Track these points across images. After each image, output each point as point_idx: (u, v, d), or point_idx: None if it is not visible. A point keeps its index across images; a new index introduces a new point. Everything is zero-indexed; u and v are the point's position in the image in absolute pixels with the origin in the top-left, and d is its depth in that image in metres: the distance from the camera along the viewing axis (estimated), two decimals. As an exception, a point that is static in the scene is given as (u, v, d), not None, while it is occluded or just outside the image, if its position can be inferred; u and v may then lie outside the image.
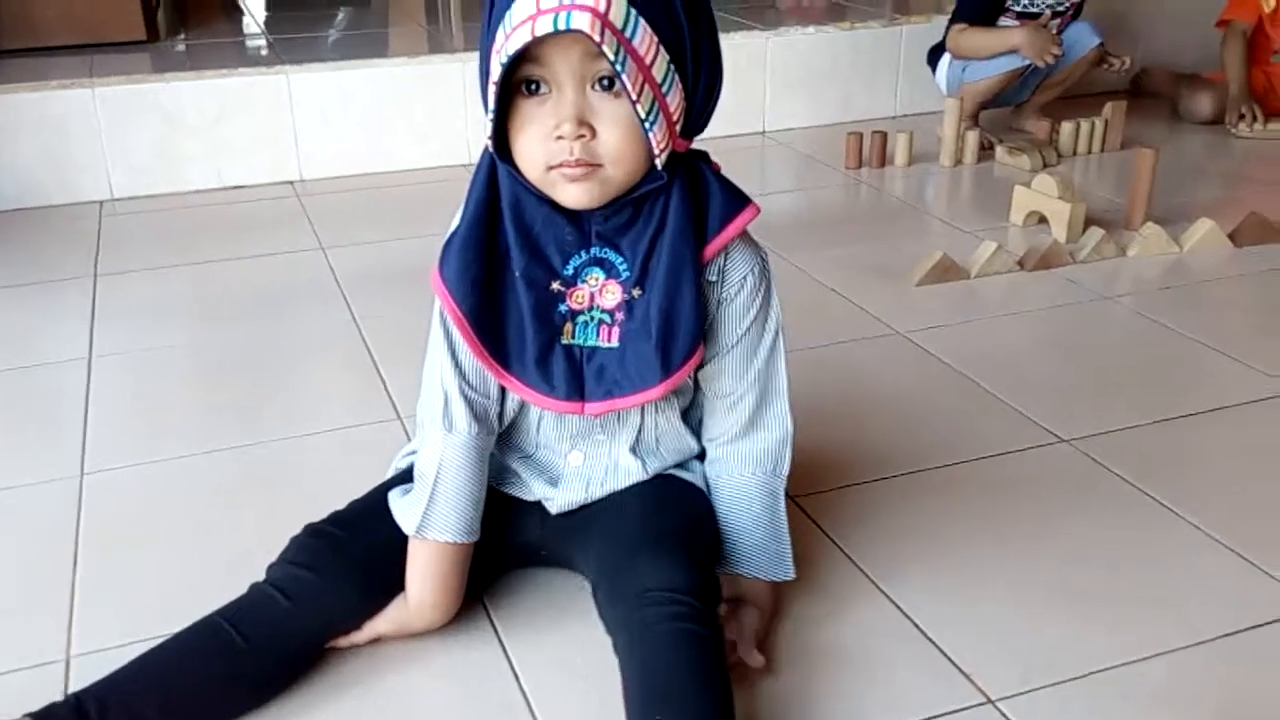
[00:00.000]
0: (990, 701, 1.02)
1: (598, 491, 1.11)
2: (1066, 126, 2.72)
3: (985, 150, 2.69)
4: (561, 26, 0.86)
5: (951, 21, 2.74)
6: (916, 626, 1.11)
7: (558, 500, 1.12)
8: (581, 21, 0.85)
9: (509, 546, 1.15)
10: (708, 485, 1.14)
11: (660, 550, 1.01)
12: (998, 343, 1.77)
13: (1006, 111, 2.92)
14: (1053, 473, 1.39)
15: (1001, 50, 2.65)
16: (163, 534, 1.29)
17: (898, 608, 1.14)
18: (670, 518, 1.07)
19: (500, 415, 1.08)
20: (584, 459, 1.11)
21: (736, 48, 2.85)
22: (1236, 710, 0.99)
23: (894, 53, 3.01)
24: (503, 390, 1.07)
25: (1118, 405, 1.55)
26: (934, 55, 2.85)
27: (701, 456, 1.15)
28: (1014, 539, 1.26)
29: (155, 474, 1.42)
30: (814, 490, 1.33)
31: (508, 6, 0.89)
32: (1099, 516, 1.30)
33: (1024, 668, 1.05)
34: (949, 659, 1.07)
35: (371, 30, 3.23)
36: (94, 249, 2.19)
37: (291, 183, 2.55)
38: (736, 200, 1.02)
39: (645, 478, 1.11)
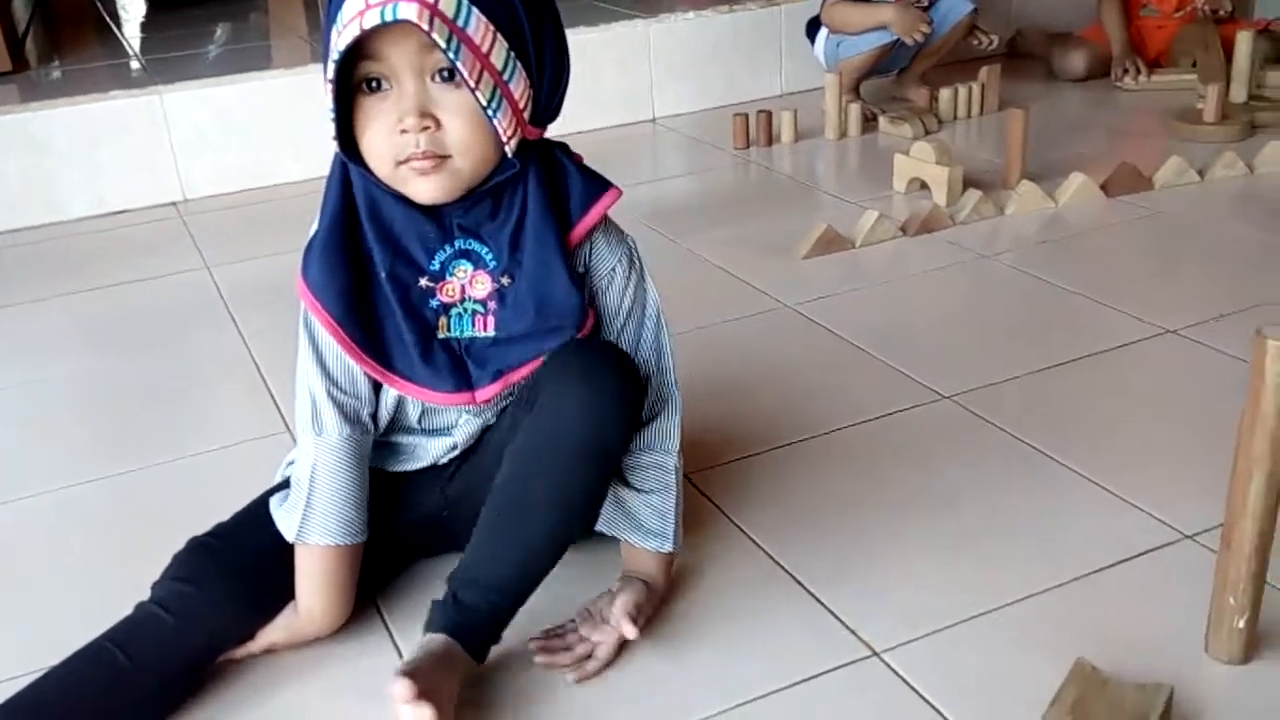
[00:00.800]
0: (875, 654, 1.04)
1: (491, 417, 1.09)
2: (945, 93, 2.77)
3: (869, 121, 2.74)
4: (389, 18, 0.86)
5: None
6: (803, 586, 1.14)
7: (457, 437, 1.10)
8: (408, 12, 0.86)
9: (409, 527, 1.15)
10: None
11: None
12: (883, 308, 1.80)
13: (888, 81, 2.97)
14: (933, 429, 1.43)
15: (871, 25, 2.70)
16: (49, 567, 1.27)
17: (785, 570, 1.16)
18: None
19: (375, 414, 1.08)
20: (473, 417, 1.10)
21: (620, 37, 2.86)
22: (1115, 638, 1.03)
23: (775, 33, 3.04)
24: (376, 389, 1.06)
25: (998, 359, 1.59)
26: (811, 28, 2.89)
27: None
28: (895, 495, 1.29)
29: (40, 507, 1.39)
30: (705, 466, 1.35)
31: (339, 7, 0.90)
32: (977, 467, 1.33)
33: (907, 618, 1.08)
34: (834, 615, 1.09)
35: (251, 44, 3.18)
36: (-29, 286, 2.13)
37: (174, 204, 2.50)
38: (596, 185, 1.03)
39: None
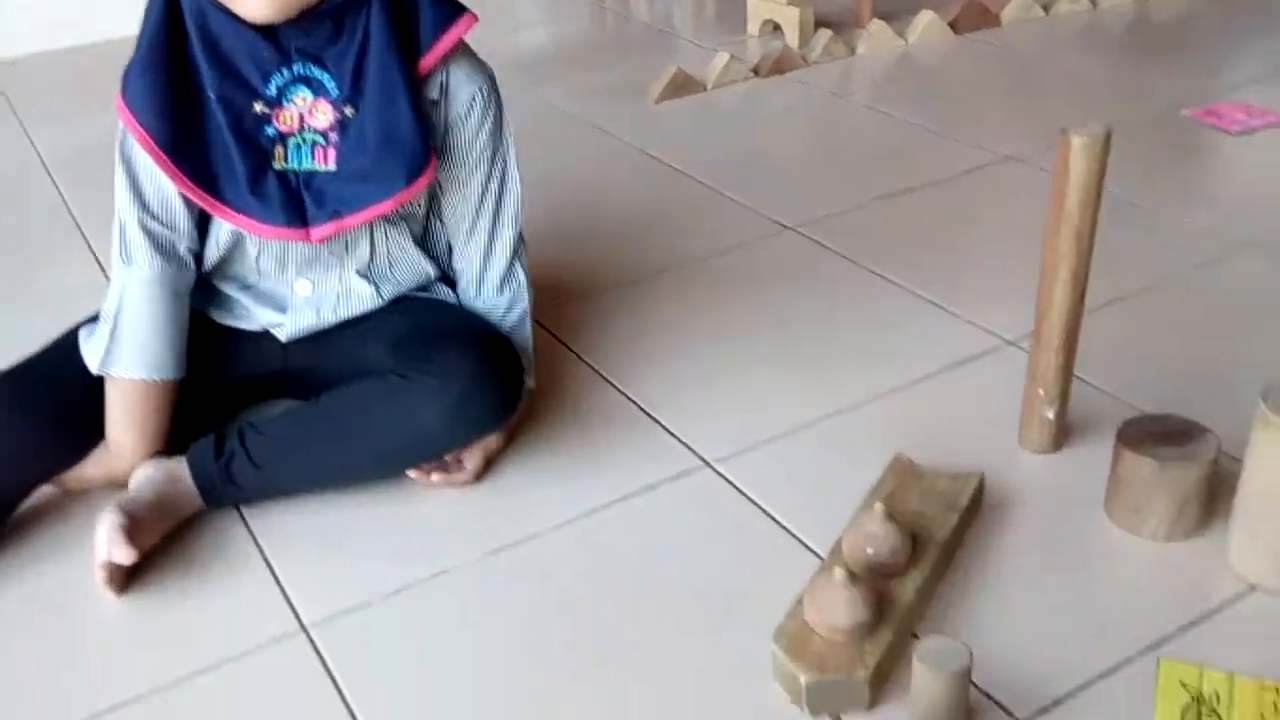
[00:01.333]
0: (707, 464, 1.07)
1: (330, 318, 1.08)
2: (802, -64, 2.73)
3: (727, -32, 2.69)
4: None
5: None
6: (643, 410, 1.15)
7: (287, 327, 1.09)
8: None
9: (248, 381, 1.13)
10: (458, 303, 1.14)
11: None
12: (733, 148, 1.80)
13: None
14: (776, 259, 1.44)
15: None
16: None
17: (627, 397, 1.18)
18: (428, 318, 1.08)
19: (201, 253, 1.04)
20: (312, 286, 1.08)
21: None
22: (936, 437, 1.07)
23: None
24: (203, 220, 1.02)
25: (843, 191, 1.60)
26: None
27: (444, 282, 1.14)
28: (734, 322, 1.30)
29: None
30: (556, 307, 1.34)
31: None
32: (815, 292, 1.36)
33: (740, 431, 1.11)
34: (670, 433, 1.11)
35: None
36: None
37: (-4, 68, 2.35)
38: (449, 9, 0.98)
39: (381, 303, 1.09)
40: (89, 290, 1.43)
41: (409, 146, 0.97)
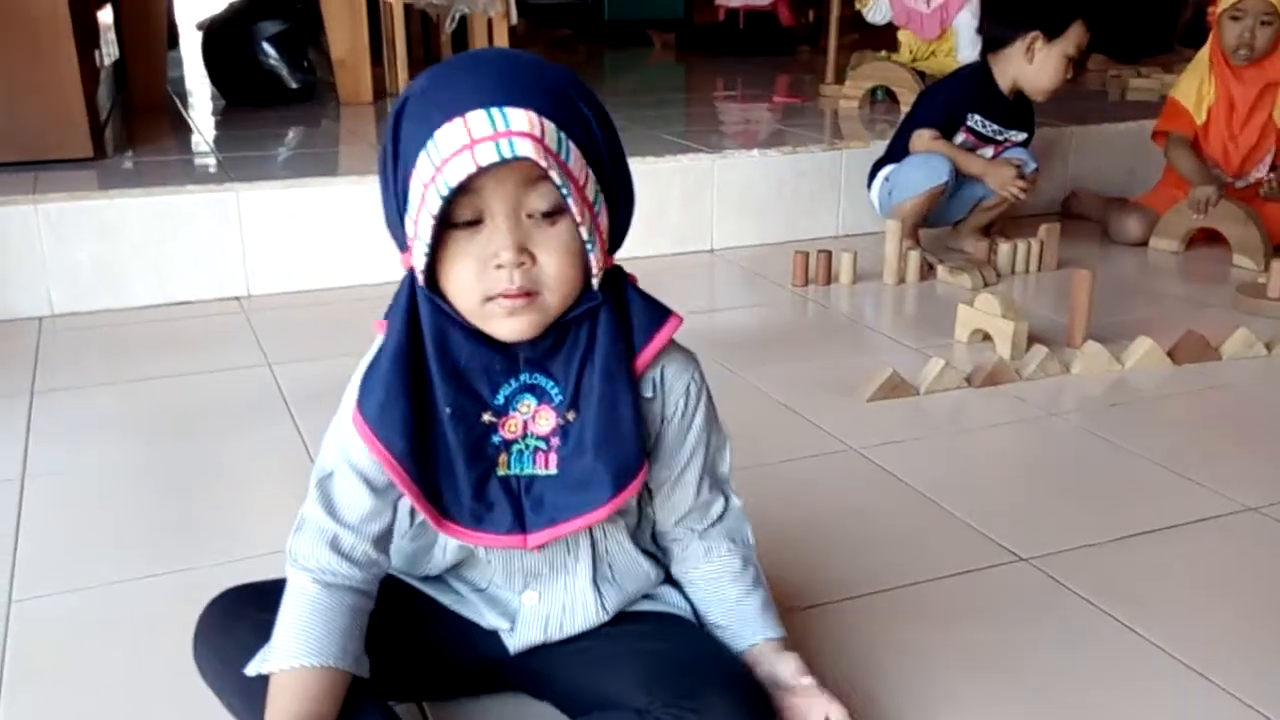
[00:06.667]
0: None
1: (556, 634, 1.07)
2: (1004, 247, 2.79)
3: (928, 270, 2.75)
4: (506, 155, 0.84)
5: (914, 127, 2.81)
6: (887, 753, 1.09)
7: (515, 639, 1.07)
8: (526, 148, 0.84)
9: (467, 665, 1.10)
10: (689, 604, 1.11)
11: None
12: (951, 459, 1.77)
13: (945, 231, 3.00)
14: (1014, 592, 1.38)
15: (965, 170, 2.74)
16: (95, 663, 1.23)
17: (865, 733, 1.11)
18: (674, 643, 1.05)
19: (424, 555, 1.06)
20: (539, 598, 1.07)
21: (684, 169, 2.91)
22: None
23: (835, 175, 3.09)
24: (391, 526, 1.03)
25: (1074, 523, 1.55)
26: (872, 174, 2.93)
27: (669, 583, 1.12)
28: (980, 662, 1.24)
29: (88, 601, 1.36)
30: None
31: (428, 135, 0.87)
32: (1062, 638, 1.29)
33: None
34: (922, 788, 1.04)
35: (321, 149, 3.25)
36: (31, 366, 2.13)
37: (238, 298, 2.52)
38: (658, 312, 1.01)
39: (606, 616, 1.07)
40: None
41: (625, 451, 0.97)
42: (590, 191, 0.90)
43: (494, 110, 0.85)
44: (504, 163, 0.84)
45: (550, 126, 0.86)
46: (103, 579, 1.40)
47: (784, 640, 1.10)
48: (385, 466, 0.95)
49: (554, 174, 0.86)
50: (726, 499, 1.11)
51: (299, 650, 0.96)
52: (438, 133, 0.86)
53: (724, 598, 1.09)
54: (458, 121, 0.85)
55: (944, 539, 1.51)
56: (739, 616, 1.09)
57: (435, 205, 0.86)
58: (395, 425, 0.94)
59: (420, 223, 0.88)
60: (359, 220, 2.58)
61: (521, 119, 0.85)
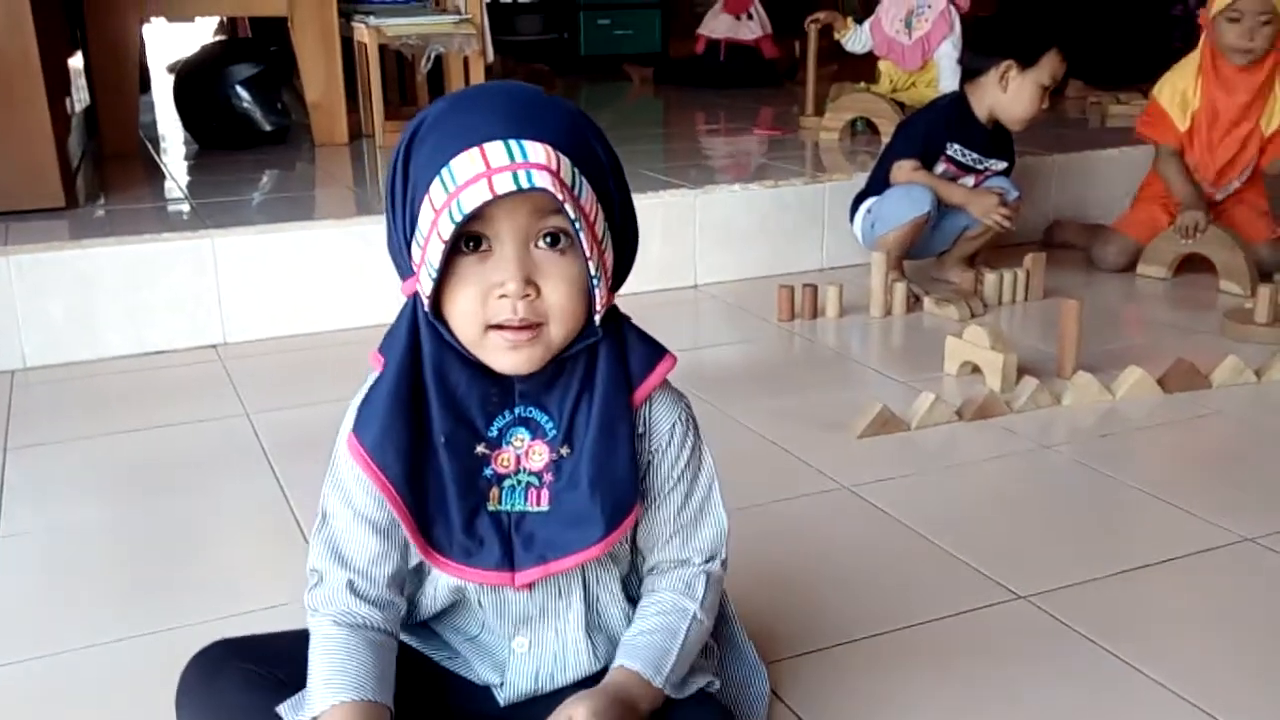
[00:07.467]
0: None
1: (548, 684, 1.04)
2: (990, 277, 2.78)
3: (914, 301, 2.73)
4: (524, 185, 0.84)
5: (893, 158, 2.79)
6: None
7: (506, 690, 1.04)
8: (543, 180, 0.85)
9: (464, 715, 1.06)
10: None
11: None
12: (945, 495, 1.74)
13: (931, 262, 2.98)
14: (1014, 631, 1.35)
15: (948, 200, 2.73)
16: (68, 736, 1.19)
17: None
18: None
19: (404, 592, 1.02)
20: (529, 645, 1.04)
21: (667, 205, 2.89)
22: None
23: (817, 208, 3.07)
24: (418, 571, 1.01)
25: (1072, 558, 1.52)
26: (854, 206, 2.92)
27: None
28: (984, 707, 1.20)
29: (63, 666, 1.31)
30: (770, 659, 1.27)
31: (443, 163, 0.87)
32: (1064, 678, 1.25)
33: None
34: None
35: (297, 193, 3.22)
36: (3, 421, 2.08)
37: (215, 346, 2.48)
38: (654, 350, 1.00)
39: (598, 665, 1.04)
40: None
41: (620, 488, 0.95)
42: (599, 229, 0.91)
43: (511, 142, 0.86)
44: (519, 192, 0.85)
45: (565, 162, 0.87)
46: (79, 642, 1.35)
47: (648, 684, 0.99)
48: (379, 489, 0.94)
49: (568, 208, 0.86)
50: (709, 560, 1.05)
51: (338, 687, 0.94)
52: (453, 161, 0.86)
53: (639, 623, 1.02)
54: (474, 151, 0.86)
55: (941, 578, 1.48)
56: (633, 642, 1.01)
57: (447, 230, 0.86)
58: (392, 451, 0.93)
59: (429, 247, 0.88)
60: (336, 264, 2.55)
61: (539, 152, 0.86)
